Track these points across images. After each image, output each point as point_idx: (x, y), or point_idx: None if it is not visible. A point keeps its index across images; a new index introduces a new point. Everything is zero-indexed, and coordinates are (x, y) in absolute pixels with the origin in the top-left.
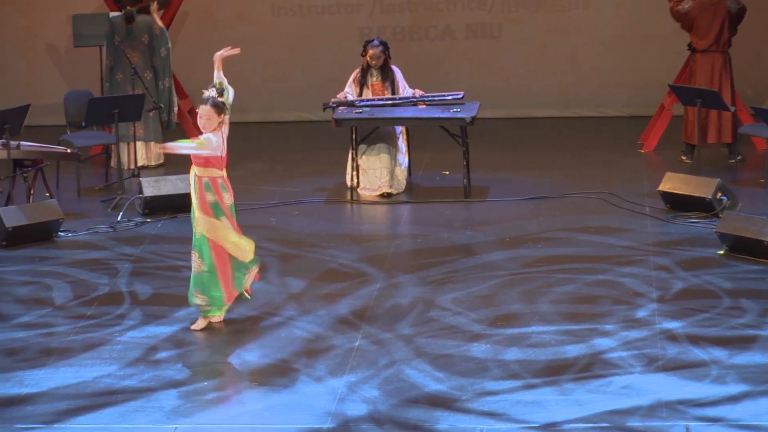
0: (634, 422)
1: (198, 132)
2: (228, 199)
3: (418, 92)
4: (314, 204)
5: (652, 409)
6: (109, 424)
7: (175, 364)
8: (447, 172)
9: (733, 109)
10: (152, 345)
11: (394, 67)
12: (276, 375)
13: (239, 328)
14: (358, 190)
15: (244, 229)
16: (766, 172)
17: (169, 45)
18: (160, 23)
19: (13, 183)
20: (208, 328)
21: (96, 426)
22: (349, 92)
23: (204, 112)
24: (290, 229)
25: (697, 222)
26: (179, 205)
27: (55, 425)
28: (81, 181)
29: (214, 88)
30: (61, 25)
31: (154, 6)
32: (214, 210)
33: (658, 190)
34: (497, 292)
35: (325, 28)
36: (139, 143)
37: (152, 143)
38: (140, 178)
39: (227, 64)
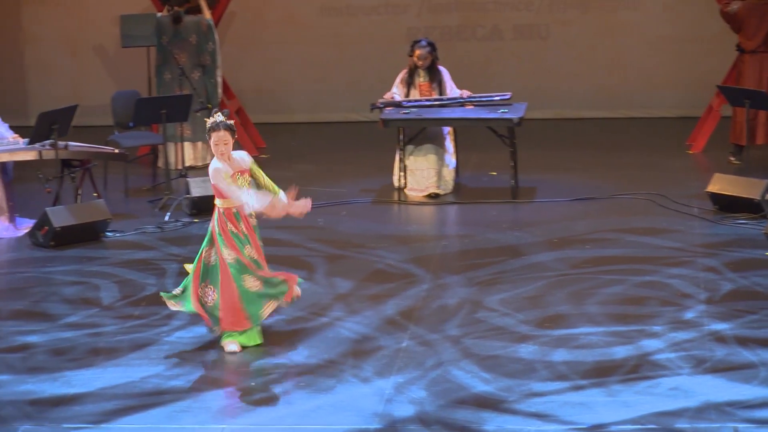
0: (682, 424)
1: (242, 132)
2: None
3: (466, 93)
4: (361, 204)
5: (701, 411)
6: (156, 425)
7: (222, 364)
8: (494, 173)
9: None
10: (199, 345)
11: (441, 68)
12: (323, 375)
13: (286, 329)
14: (406, 190)
15: (292, 229)
16: None
17: (216, 37)
18: (208, 15)
19: (60, 183)
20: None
21: (143, 426)
22: (397, 93)
23: (221, 137)
24: (337, 230)
25: (746, 223)
26: None
27: (103, 425)
28: (128, 181)
29: (219, 112)
30: (108, 25)
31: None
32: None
33: (707, 191)
34: (545, 293)
35: (373, 28)
36: (186, 143)
37: (200, 143)
38: (188, 179)
39: (274, 63)
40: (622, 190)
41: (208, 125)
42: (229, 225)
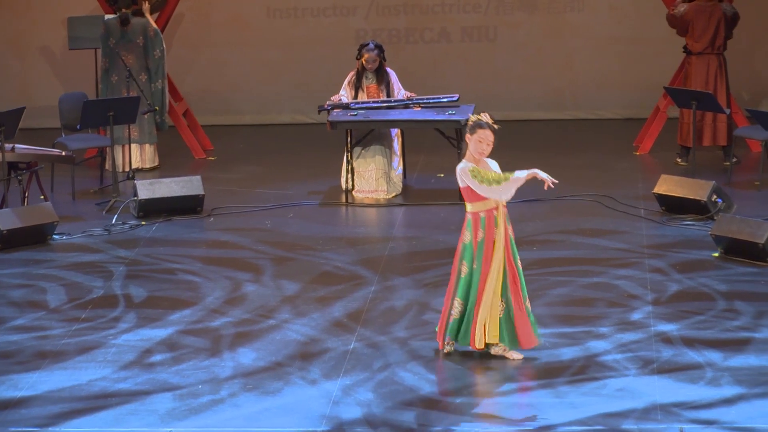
0: (628, 425)
1: (189, 134)
2: (467, 236)
3: (410, 94)
4: (309, 206)
5: (647, 412)
6: (103, 428)
7: (169, 367)
8: (442, 175)
9: (728, 111)
10: (146, 348)
11: (389, 70)
12: (270, 378)
13: (234, 331)
14: (353, 192)
15: (239, 231)
16: (761, 175)
17: (164, 47)
18: (154, 25)
19: (7, 186)
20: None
21: (90, 429)
22: (344, 95)
23: (486, 136)
24: (285, 232)
25: (692, 224)
26: (174, 207)
27: (50, 428)
28: (76, 183)
29: (484, 113)
30: (56, 27)
31: (146, 6)
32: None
33: (653, 193)
34: None
35: (321, 30)
36: (134, 146)
37: (147, 145)
38: (135, 181)
39: (222, 65)
40: (569, 192)
41: (472, 122)
42: (481, 232)
